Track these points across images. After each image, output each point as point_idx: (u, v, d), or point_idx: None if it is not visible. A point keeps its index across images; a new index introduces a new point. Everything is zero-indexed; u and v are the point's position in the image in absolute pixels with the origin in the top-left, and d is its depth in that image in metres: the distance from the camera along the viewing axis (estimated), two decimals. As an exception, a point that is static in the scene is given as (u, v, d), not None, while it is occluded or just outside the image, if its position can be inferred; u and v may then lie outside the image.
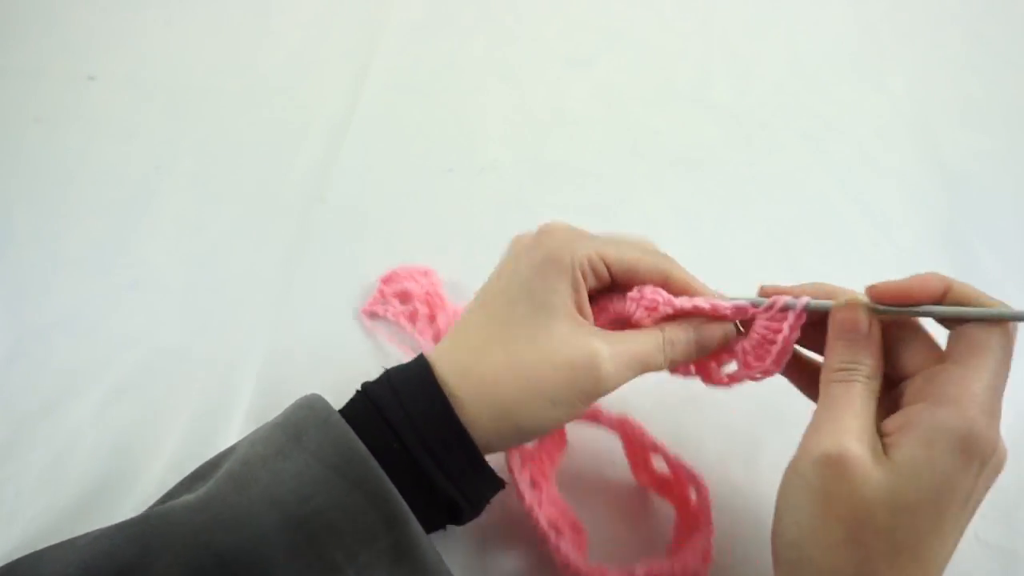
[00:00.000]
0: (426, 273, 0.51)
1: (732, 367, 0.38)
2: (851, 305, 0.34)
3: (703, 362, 0.38)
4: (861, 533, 0.30)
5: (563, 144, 0.61)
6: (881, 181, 0.59)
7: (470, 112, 0.63)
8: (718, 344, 0.37)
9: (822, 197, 0.58)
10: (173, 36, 0.68)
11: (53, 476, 0.43)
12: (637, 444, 0.42)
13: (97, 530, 0.31)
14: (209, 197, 0.57)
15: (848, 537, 0.30)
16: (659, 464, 0.42)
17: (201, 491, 0.31)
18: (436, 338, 0.47)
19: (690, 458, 0.41)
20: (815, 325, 0.35)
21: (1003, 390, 0.31)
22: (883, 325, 0.34)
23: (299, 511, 0.30)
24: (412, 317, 0.49)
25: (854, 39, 0.69)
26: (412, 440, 0.33)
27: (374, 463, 0.31)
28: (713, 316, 0.36)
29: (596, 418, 0.42)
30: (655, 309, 0.36)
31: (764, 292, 0.37)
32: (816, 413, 0.33)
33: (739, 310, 0.36)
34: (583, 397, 0.34)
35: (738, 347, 0.37)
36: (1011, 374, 0.47)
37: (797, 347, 0.37)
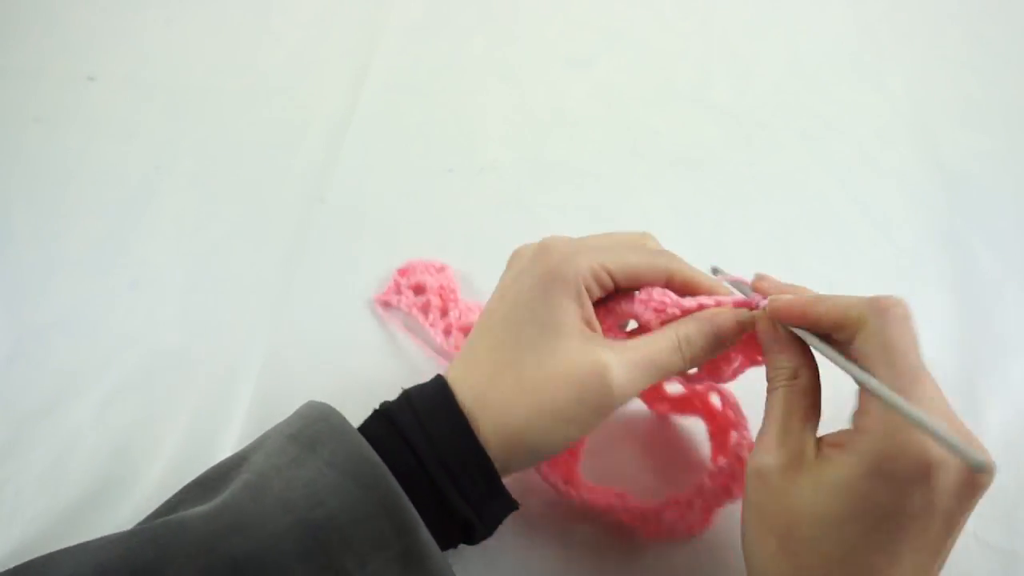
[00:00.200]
0: (442, 268, 0.51)
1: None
2: (757, 319, 0.36)
3: (712, 361, 0.38)
4: (789, 542, 0.31)
5: (563, 144, 0.61)
6: (881, 181, 0.59)
7: (470, 112, 0.63)
8: (733, 333, 0.36)
9: (822, 197, 0.58)
10: (173, 36, 0.68)
11: (53, 476, 0.43)
12: None
13: (110, 534, 0.31)
14: (209, 197, 0.57)
15: (780, 547, 0.31)
16: (672, 388, 0.43)
17: (217, 500, 0.31)
18: (447, 331, 0.48)
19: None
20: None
21: (932, 389, 0.30)
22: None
23: (311, 516, 0.30)
24: (425, 308, 0.49)
25: (853, 39, 0.69)
26: (430, 458, 0.33)
27: (387, 471, 0.31)
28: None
29: None
30: (663, 311, 0.36)
31: (713, 270, 0.39)
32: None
33: (743, 303, 0.36)
34: (594, 411, 0.34)
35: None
36: (1010, 374, 0.48)
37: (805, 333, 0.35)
